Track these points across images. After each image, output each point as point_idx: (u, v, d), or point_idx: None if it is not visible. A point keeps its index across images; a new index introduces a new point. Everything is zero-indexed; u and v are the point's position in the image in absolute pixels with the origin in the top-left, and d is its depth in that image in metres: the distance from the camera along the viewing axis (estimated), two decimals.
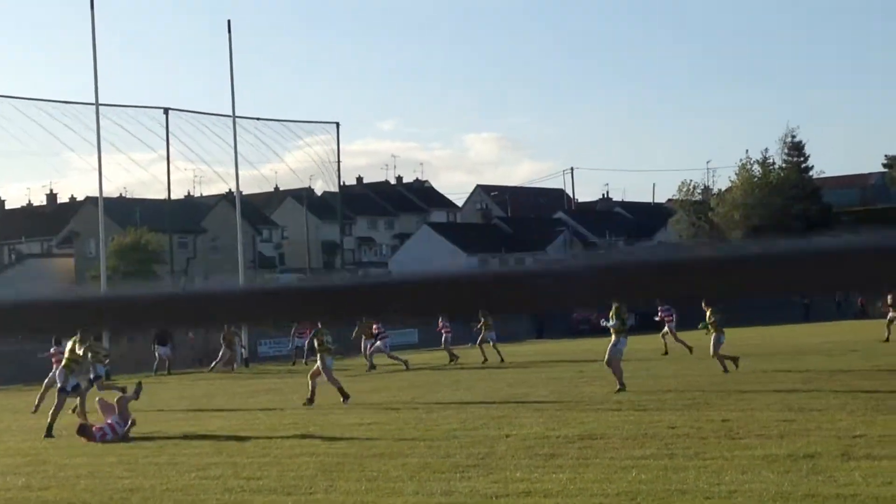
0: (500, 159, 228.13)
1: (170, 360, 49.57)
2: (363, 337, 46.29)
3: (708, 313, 31.49)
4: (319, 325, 29.18)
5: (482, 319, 44.74)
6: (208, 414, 26.85)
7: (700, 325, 33.14)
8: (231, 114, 60.77)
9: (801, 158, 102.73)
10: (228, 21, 59.94)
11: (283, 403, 28.97)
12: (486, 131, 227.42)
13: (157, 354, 50.17)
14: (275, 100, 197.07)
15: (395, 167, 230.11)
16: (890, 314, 40.37)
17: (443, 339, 47.22)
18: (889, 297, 39.66)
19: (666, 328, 41.27)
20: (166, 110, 62.51)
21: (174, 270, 71.74)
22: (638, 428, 18.71)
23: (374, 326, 43.76)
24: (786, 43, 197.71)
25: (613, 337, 27.43)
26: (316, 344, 29.52)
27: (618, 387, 26.21)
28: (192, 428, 23.30)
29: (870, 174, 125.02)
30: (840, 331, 41.91)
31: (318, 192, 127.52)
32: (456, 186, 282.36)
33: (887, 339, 39.39)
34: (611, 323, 27.64)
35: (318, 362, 28.61)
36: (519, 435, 18.66)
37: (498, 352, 44.64)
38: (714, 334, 31.22)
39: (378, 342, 44.67)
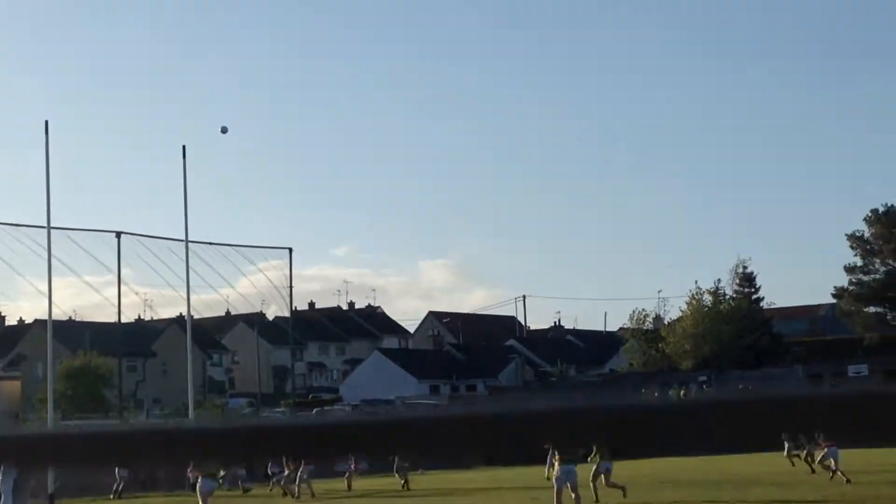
0: (453, 286, 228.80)
1: (125, 482, 49.49)
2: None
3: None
4: None
5: None
6: None
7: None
8: (184, 238, 60.68)
9: (752, 289, 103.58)
10: (183, 146, 60.05)
11: None
12: (439, 258, 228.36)
13: (117, 475, 50.09)
14: (228, 225, 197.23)
15: (347, 293, 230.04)
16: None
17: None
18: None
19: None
20: (118, 234, 62.34)
21: (123, 394, 71.02)
22: None
23: None
24: (734, 176, 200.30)
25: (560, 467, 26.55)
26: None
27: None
28: None
29: (819, 305, 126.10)
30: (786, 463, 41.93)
31: (270, 317, 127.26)
32: (408, 312, 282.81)
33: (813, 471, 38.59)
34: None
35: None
36: None
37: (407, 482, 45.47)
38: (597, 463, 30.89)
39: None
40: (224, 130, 67.21)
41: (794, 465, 42.39)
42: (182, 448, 1.80)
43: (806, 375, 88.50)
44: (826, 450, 37.65)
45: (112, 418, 66.05)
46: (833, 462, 37.12)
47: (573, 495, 25.83)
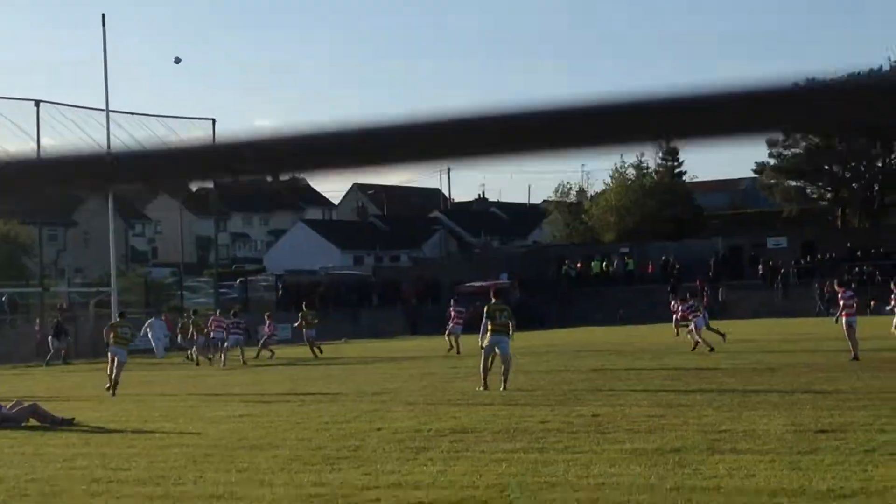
0: None
1: (66, 350, 50.28)
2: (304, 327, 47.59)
3: None
4: (116, 319, 32.35)
5: (301, 319, 46.57)
6: (76, 405, 26.43)
7: None
8: (105, 108, 59.91)
9: (675, 163, 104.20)
10: (103, 15, 59.17)
11: (152, 395, 28.67)
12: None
13: (51, 346, 50.76)
14: (151, 96, 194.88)
15: None
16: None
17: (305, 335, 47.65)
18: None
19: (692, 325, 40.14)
20: (37, 102, 61.20)
21: (43, 264, 70.47)
22: (509, 422, 18.83)
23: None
24: (659, 43, 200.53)
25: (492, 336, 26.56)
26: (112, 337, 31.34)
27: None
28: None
29: (740, 179, 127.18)
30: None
31: (193, 188, 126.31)
32: (335, 185, 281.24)
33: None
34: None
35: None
36: (390, 428, 18.67)
37: (316, 349, 46.18)
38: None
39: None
40: (177, 61, 70.58)
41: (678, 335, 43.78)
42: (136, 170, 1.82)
43: (726, 248, 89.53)
44: (693, 322, 38.90)
45: (33, 287, 65.59)
46: (696, 332, 38.34)
47: (503, 367, 25.96)
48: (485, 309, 27.08)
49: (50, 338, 51.79)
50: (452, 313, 45.90)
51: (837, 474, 12.43)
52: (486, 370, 26.12)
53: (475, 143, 1.72)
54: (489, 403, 22.41)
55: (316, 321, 48.13)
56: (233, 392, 28.77)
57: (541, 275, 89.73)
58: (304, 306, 50.00)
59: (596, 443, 15.86)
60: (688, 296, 43.27)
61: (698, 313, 39.38)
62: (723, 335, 39.00)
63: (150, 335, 52.20)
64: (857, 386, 23.04)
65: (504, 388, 25.28)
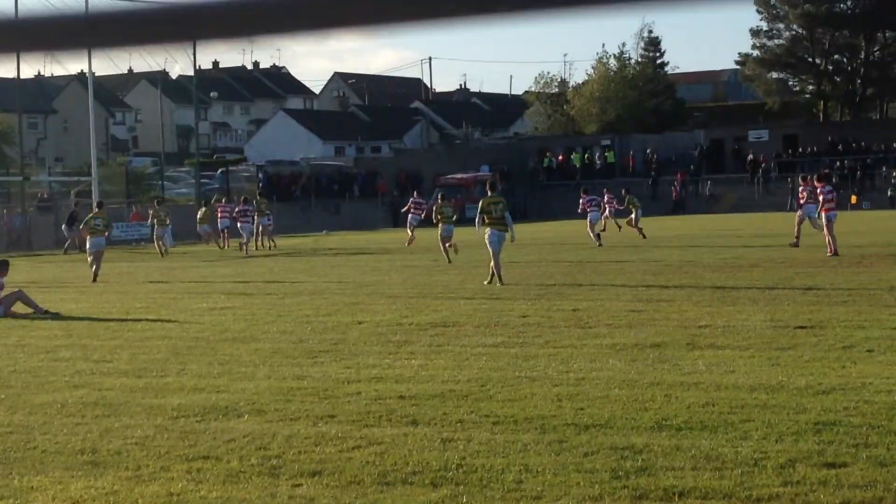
0: (360, 47, 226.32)
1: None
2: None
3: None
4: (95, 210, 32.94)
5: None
6: (59, 296, 26.46)
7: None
8: None
9: (657, 54, 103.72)
10: None
11: (134, 287, 28.72)
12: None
13: (66, 235, 50.96)
14: None
15: (251, 52, 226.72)
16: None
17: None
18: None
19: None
20: None
21: (24, 151, 70.10)
22: (490, 316, 18.92)
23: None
24: None
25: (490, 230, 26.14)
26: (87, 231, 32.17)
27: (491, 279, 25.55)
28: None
29: (722, 71, 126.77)
30: (690, 224, 42.67)
31: (174, 76, 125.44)
32: (316, 74, 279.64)
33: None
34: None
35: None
36: (372, 322, 18.76)
37: (270, 241, 47.32)
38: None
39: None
40: None
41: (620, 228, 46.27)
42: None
43: (707, 140, 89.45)
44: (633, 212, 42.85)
45: (14, 175, 65.32)
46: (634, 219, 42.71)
47: (493, 262, 25.60)
48: (480, 202, 26.67)
49: (63, 226, 51.77)
50: (412, 205, 46.63)
51: (815, 370, 12.54)
52: (497, 267, 25.55)
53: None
54: (470, 297, 22.50)
55: (268, 211, 48.25)
56: (214, 284, 28.82)
57: (522, 167, 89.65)
58: (257, 195, 50.63)
59: (576, 337, 15.96)
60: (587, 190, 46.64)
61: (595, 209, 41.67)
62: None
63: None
64: (837, 282, 23.17)
65: (488, 282, 25.25)
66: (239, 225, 45.48)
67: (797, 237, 33.13)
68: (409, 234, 44.80)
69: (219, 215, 47.22)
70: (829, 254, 30.40)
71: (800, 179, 34.18)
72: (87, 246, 31.61)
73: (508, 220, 26.01)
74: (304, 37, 1.73)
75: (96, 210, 34.53)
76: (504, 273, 25.37)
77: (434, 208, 36.64)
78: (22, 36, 1.91)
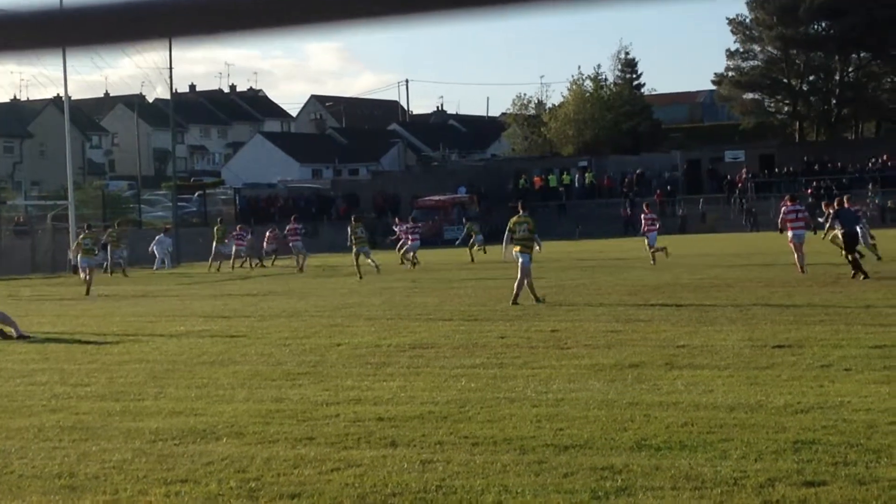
0: (341, 70, 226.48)
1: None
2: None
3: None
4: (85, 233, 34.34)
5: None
6: (36, 320, 26.34)
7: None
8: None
9: (634, 75, 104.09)
10: None
11: (111, 310, 28.61)
12: (327, 41, 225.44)
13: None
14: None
15: (228, 76, 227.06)
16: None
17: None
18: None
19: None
20: None
21: (0, 175, 69.90)
22: (468, 337, 18.91)
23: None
24: None
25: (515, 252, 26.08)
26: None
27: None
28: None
29: (698, 92, 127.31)
30: (673, 243, 42.69)
31: (150, 99, 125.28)
32: (294, 96, 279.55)
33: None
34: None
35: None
36: (350, 344, 18.73)
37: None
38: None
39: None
40: None
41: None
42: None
43: (684, 160, 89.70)
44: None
45: None
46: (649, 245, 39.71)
47: (518, 278, 25.64)
48: (509, 222, 27.06)
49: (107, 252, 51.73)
50: (402, 231, 47.01)
51: (794, 389, 12.56)
52: (531, 286, 25.76)
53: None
54: (448, 319, 22.49)
55: (225, 239, 49.42)
56: (192, 307, 28.74)
57: (500, 188, 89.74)
58: (219, 220, 51.92)
59: (555, 358, 15.95)
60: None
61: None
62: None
63: (155, 250, 53.32)
64: (814, 301, 23.24)
65: (514, 302, 25.14)
66: (291, 244, 47.48)
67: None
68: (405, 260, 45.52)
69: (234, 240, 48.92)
70: (801, 272, 30.58)
71: (787, 199, 33.88)
72: (80, 265, 36.51)
73: (536, 238, 26.56)
74: (284, 34, 1.71)
75: (87, 232, 38.69)
76: (473, 293, 25.39)
77: (349, 230, 39.55)
78: None
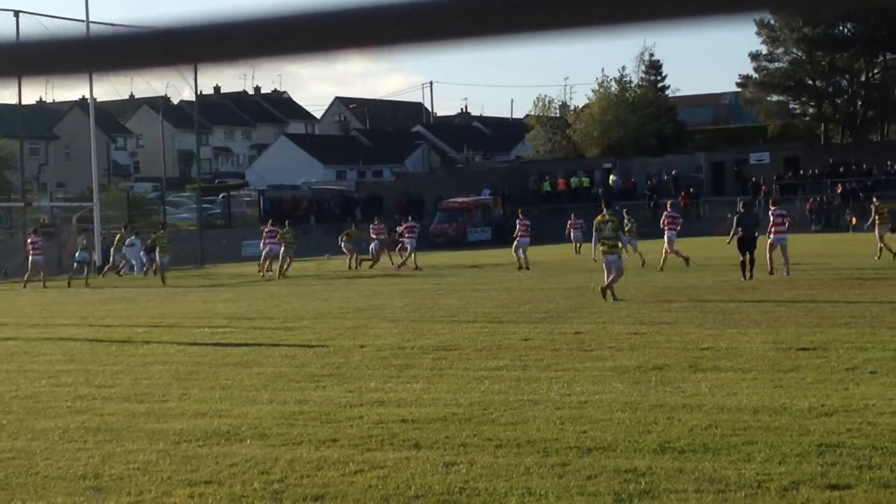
0: (363, 71, 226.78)
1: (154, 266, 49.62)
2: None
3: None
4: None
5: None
6: (61, 321, 26.48)
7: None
8: (84, 18, 59.38)
9: (658, 77, 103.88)
10: None
11: (136, 312, 28.70)
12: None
13: (147, 260, 50.69)
14: (133, 5, 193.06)
15: (253, 77, 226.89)
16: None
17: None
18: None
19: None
20: (17, 13, 60.62)
21: (25, 177, 70.11)
22: (492, 340, 18.91)
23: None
24: None
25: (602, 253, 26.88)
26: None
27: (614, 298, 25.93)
28: (43, 335, 22.97)
29: (723, 94, 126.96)
30: (696, 246, 42.61)
31: (175, 101, 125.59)
32: (317, 99, 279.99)
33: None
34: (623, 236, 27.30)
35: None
36: (374, 345, 18.74)
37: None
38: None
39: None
40: None
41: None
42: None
43: (708, 163, 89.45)
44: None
45: (15, 202, 65.36)
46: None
47: (609, 275, 26.20)
48: (595, 221, 27.68)
49: (141, 253, 51.85)
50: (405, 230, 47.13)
51: (819, 392, 12.52)
52: (611, 284, 26.28)
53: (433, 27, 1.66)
54: (472, 321, 22.48)
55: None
56: (216, 309, 28.81)
57: (524, 190, 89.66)
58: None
59: (578, 360, 15.93)
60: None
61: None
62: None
63: (127, 254, 52.65)
64: (839, 304, 23.15)
65: (614, 298, 25.63)
66: (406, 240, 47.11)
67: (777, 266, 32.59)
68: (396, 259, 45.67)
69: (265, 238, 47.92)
70: (780, 274, 31.38)
71: (771, 203, 34.62)
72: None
73: (621, 237, 26.87)
74: (307, 60, 1.72)
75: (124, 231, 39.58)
76: (497, 295, 25.39)
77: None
78: (22, 60, 1.91)
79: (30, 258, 44.71)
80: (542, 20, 1.62)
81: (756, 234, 31.84)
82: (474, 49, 1.65)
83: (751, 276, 30.69)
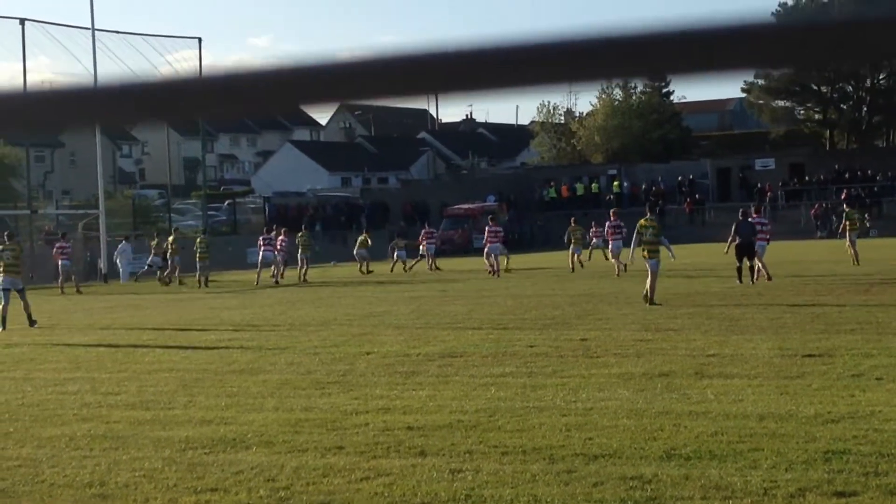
0: None
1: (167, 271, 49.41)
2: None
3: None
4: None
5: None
6: (66, 329, 26.50)
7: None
8: (90, 26, 59.47)
9: (663, 83, 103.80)
10: None
11: (142, 319, 28.72)
12: (361, 49, 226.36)
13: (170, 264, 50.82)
14: (136, 13, 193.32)
15: None
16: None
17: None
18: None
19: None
20: (23, 21, 60.72)
21: (31, 185, 70.22)
22: (498, 346, 18.90)
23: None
24: None
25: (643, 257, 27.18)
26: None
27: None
28: (49, 343, 22.99)
29: (728, 100, 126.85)
30: (701, 253, 42.65)
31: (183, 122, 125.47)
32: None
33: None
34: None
35: None
36: (379, 352, 18.74)
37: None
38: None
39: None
40: None
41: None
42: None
43: (714, 169, 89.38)
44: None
45: (21, 209, 65.44)
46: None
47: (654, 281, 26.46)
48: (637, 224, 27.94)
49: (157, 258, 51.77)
50: (424, 235, 47.79)
51: (825, 399, 12.51)
52: (652, 288, 26.60)
53: (468, 75, 1.70)
54: (477, 328, 22.48)
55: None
56: (222, 316, 28.82)
57: (529, 197, 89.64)
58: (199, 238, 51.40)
59: (584, 367, 15.93)
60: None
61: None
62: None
63: (118, 261, 52.68)
64: (845, 310, 23.13)
65: (651, 302, 25.93)
66: (425, 245, 48.24)
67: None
68: (429, 261, 45.88)
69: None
70: (760, 280, 31.75)
71: (752, 211, 35.04)
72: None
73: (664, 241, 27.41)
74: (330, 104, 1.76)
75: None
76: (502, 301, 25.40)
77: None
78: (31, 113, 1.93)
79: (59, 263, 44.68)
80: (569, 73, 1.67)
81: (753, 240, 32.50)
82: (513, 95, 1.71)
83: (751, 282, 31.32)
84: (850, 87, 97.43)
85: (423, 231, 50.19)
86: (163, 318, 29.14)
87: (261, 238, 46.22)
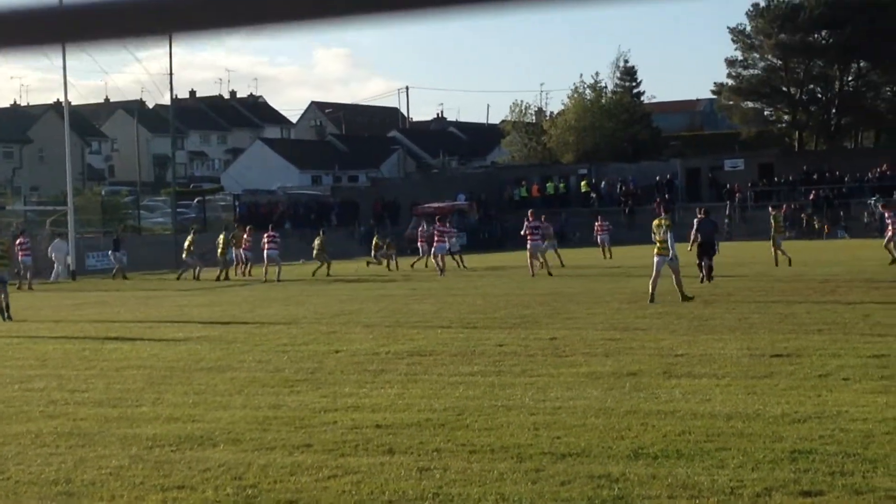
0: (346, 76, 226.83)
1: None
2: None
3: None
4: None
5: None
6: (33, 326, 26.37)
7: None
8: None
9: (633, 83, 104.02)
10: None
11: (110, 316, 28.61)
12: (335, 46, 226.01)
13: (112, 260, 52.34)
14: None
15: (229, 82, 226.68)
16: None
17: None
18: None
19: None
20: None
21: None
22: (467, 345, 18.91)
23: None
24: None
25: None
26: None
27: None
28: (14, 339, 22.88)
29: (698, 100, 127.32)
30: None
31: (150, 105, 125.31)
32: (293, 103, 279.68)
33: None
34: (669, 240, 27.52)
35: None
36: (349, 350, 18.72)
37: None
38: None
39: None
40: None
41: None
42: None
43: (683, 169, 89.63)
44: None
45: None
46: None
47: (674, 278, 26.81)
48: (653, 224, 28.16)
49: (111, 252, 53.01)
50: (436, 232, 46.43)
51: (792, 399, 12.56)
52: (653, 285, 26.80)
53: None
54: (447, 326, 22.48)
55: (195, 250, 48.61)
56: (190, 314, 28.74)
57: (499, 196, 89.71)
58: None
59: (553, 366, 15.95)
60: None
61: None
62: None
63: (53, 257, 52.46)
64: (812, 311, 23.22)
65: (684, 298, 26.27)
66: (436, 244, 45.94)
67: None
68: (438, 263, 45.21)
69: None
70: (710, 279, 31.93)
71: (700, 212, 35.20)
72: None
73: (670, 239, 27.18)
74: (287, 29, 1.71)
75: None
76: (471, 301, 25.41)
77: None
78: None
79: (20, 259, 44.37)
80: None
81: (714, 239, 33.02)
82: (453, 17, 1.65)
83: (709, 280, 31.69)
84: (819, 89, 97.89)
85: (433, 227, 48.28)
86: (131, 315, 29.03)
87: (265, 235, 46.04)
